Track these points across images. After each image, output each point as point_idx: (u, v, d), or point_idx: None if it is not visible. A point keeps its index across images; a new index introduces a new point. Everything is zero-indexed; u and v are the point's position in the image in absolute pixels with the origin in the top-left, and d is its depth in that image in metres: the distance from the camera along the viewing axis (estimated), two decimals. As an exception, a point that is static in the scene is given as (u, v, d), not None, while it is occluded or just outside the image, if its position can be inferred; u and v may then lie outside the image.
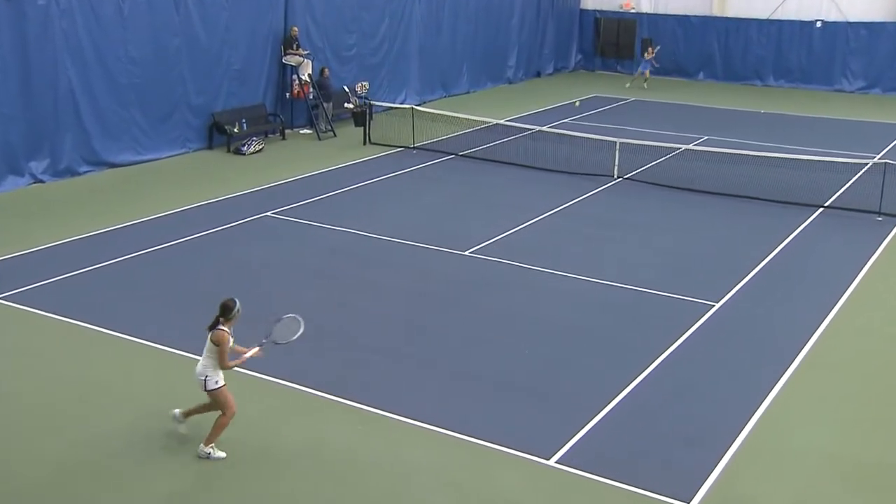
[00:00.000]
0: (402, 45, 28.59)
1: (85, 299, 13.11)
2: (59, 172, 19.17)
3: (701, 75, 36.18)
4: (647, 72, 34.10)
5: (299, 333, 9.54)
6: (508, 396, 10.69)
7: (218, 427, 9.30)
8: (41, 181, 18.85)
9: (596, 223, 17.35)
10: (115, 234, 15.95)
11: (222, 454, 9.29)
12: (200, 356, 11.05)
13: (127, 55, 20.24)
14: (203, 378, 9.17)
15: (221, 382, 9.20)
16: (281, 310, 11.49)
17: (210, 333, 9.11)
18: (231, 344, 9.14)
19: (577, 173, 20.45)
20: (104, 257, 14.68)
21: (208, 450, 9.27)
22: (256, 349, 9.37)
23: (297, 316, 9.65)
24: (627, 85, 33.84)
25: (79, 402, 10.38)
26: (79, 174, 19.48)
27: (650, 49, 34.35)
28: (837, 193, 19.33)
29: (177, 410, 9.56)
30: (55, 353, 11.59)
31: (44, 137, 18.87)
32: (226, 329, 9.09)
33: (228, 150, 22.18)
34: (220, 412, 9.32)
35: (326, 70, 24.67)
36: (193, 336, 11.74)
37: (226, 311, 9.11)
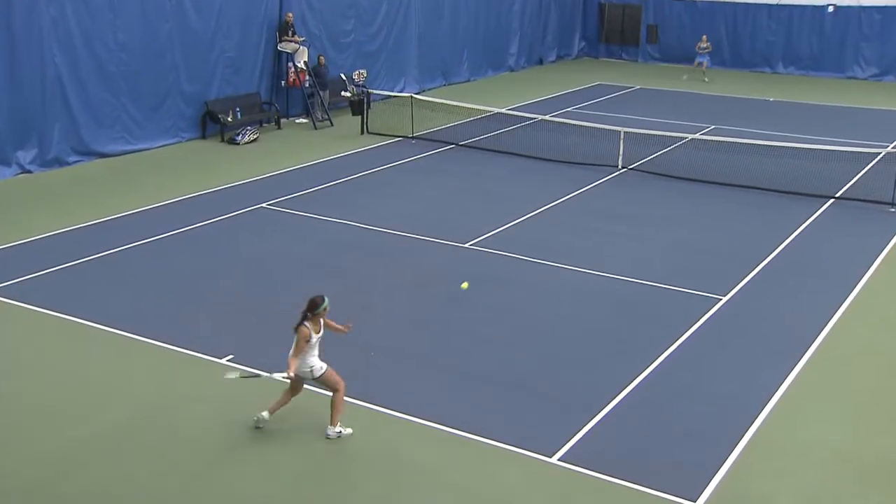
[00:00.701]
0: (401, 32, 28.55)
1: (74, 293, 13.11)
2: (47, 162, 19.17)
3: (708, 62, 36.08)
4: (705, 63, 33.03)
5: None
6: (510, 393, 10.70)
7: (337, 406, 9.66)
8: (29, 171, 18.85)
9: (600, 215, 17.35)
10: (105, 226, 15.95)
11: (350, 430, 9.70)
12: (195, 351, 11.12)
13: (117, 42, 20.22)
14: (309, 369, 9.53)
15: (325, 366, 9.59)
16: (276, 303, 11.50)
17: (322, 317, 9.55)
18: (313, 340, 9.47)
19: (580, 164, 20.45)
20: (94, 250, 14.69)
21: (337, 429, 9.65)
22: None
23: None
24: (685, 77, 32.86)
25: (72, 400, 10.38)
26: (68, 164, 19.49)
27: (703, 38, 33.41)
28: (849, 184, 19.32)
29: (264, 413, 9.75)
30: (43, 348, 11.60)
31: (31, 127, 18.87)
32: (308, 325, 9.41)
33: (222, 140, 22.17)
34: (331, 393, 9.70)
35: (323, 57, 24.65)
36: (186, 331, 11.81)
37: (313, 307, 9.48)
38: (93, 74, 19.82)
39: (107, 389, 10.59)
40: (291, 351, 9.46)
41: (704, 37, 33.61)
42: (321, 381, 9.68)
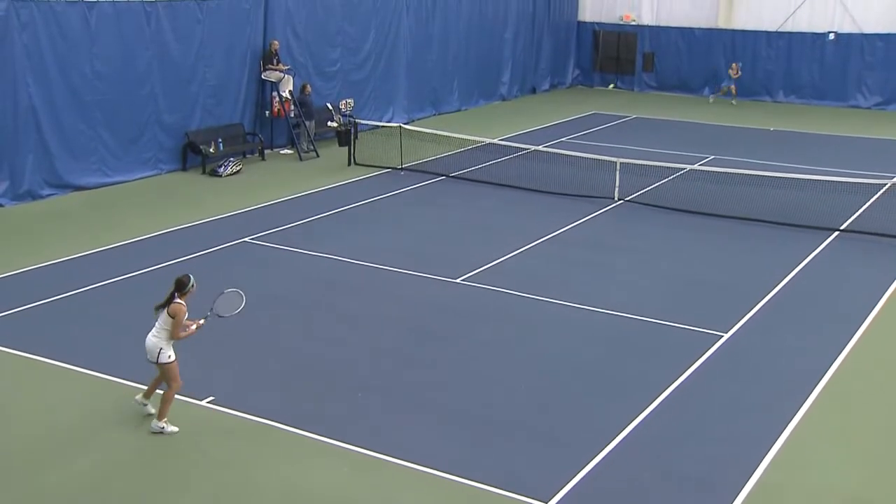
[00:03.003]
0: (389, 60, 28.69)
1: (48, 333, 13.01)
2: (19, 196, 19.09)
3: (706, 91, 36.35)
4: (734, 86, 34.07)
5: (240, 309, 10.79)
6: (503, 434, 10.62)
7: (166, 401, 10.36)
8: (0, 205, 18.76)
9: (595, 249, 17.35)
10: (80, 263, 15.87)
11: (175, 429, 10.34)
12: (175, 394, 11.00)
13: (93, 70, 20.24)
14: (157, 351, 10.22)
15: (173, 357, 10.30)
16: (259, 340, 11.45)
17: (166, 308, 10.18)
18: (185, 318, 10.28)
19: (575, 195, 20.48)
20: (68, 287, 14.59)
21: (162, 424, 10.32)
22: (202, 321, 10.47)
23: (239, 291, 10.84)
24: (711, 100, 33.63)
25: (34, 446, 10.25)
26: (41, 197, 19.42)
27: (734, 66, 34.11)
28: (854, 216, 19.38)
29: (138, 397, 10.70)
30: (14, 391, 11.48)
31: (3, 158, 18.80)
32: (182, 302, 10.18)
33: (204, 172, 22.16)
34: (166, 387, 10.40)
35: (308, 86, 24.71)
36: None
37: (181, 287, 10.23)
38: (68, 104, 19.81)
39: (81, 433, 10.46)
40: (172, 332, 10.14)
41: (735, 65, 34.14)
42: (163, 370, 10.28)
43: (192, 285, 10.26)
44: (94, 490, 9.39)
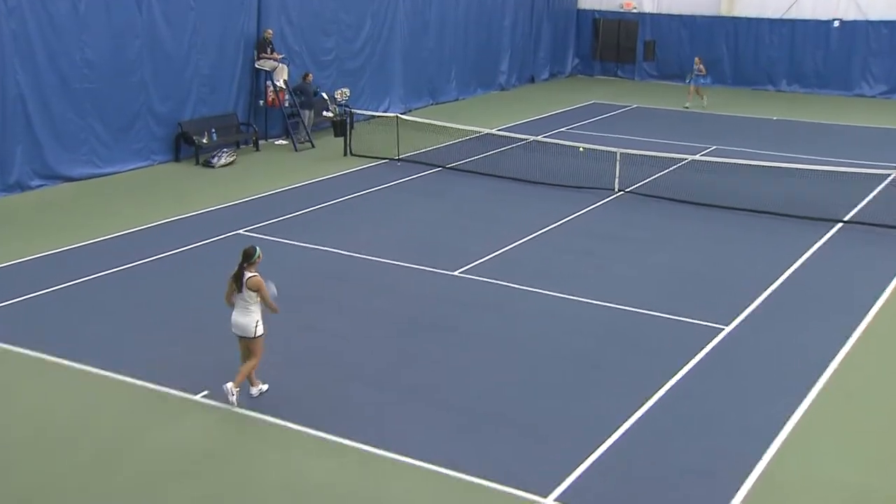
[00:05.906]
0: (386, 49, 28.67)
1: (38, 326, 13.01)
2: (8, 187, 19.08)
3: (708, 80, 36.30)
4: (698, 87, 31.52)
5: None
6: (502, 429, 10.64)
7: (245, 373, 10.72)
8: (-11, 197, 18.80)
9: (596, 240, 17.37)
10: (71, 255, 15.87)
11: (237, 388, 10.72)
12: (168, 387, 11.03)
13: (83, 59, 20.21)
14: (255, 324, 10.60)
15: (263, 330, 10.68)
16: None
17: (245, 282, 10.53)
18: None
19: (574, 186, 20.49)
20: (59, 280, 14.59)
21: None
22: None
23: None
24: (687, 105, 31.30)
25: (29, 443, 10.26)
26: (30, 188, 19.40)
27: (697, 60, 31.83)
28: (858, 207, 19.41)
29: (234, 392, 10.70)
30: (6, 384, 11.48)
31: (-9, 149, 18.82)
32: (256, 274, 10.59)
33: (197, 163, 22.15)
34: (249, 360, 10.75)
35: (310, 75, 24.65)
36: (158, 365, 11.72)
37: (247, 257, 10.60)
38: (57, 93, 19.77)
39: (71, 431, 10.47)
40: (267, 302, 10.62)
41: (698, 59, 32.12)
42: (256, 345, 10.65)
43: (259, 256, 10.64)
44: (93, 485, 9.40)
